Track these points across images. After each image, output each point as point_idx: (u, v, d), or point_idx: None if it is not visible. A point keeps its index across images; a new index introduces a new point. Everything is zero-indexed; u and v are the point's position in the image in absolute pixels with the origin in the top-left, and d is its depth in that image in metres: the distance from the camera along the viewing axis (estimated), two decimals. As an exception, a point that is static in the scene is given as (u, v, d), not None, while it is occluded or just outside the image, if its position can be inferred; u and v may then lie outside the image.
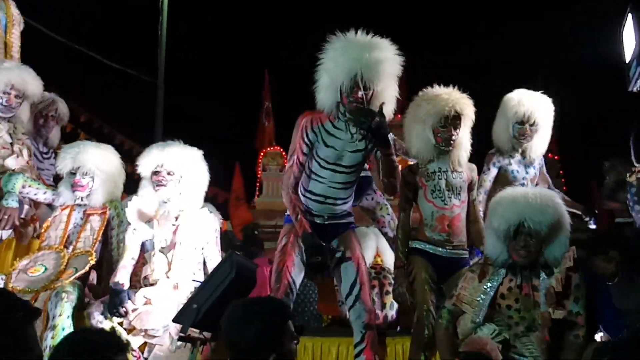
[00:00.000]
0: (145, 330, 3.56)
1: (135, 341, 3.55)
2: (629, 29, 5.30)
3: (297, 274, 3.43)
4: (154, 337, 3.55)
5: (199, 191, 4.01)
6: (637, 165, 3.97)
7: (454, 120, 3.59)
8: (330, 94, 3.34)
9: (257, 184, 19.05)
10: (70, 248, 3.95)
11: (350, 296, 3.38)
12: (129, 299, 3.50)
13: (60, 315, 3.50)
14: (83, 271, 3.78)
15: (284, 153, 18.84)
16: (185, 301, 3.45)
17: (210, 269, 3.84)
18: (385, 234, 4.40)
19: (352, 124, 3.29)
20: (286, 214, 3.60)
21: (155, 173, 3.89)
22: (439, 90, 3.68)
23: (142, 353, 3.57)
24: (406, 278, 3.54)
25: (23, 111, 4.60)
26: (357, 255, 3.48)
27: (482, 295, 3.10)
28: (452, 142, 3.62)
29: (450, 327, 3.20)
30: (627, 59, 5.33)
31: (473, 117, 3.71)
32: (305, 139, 3.42)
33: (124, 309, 3.47)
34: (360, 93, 3.23)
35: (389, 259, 4.59)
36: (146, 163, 3.94)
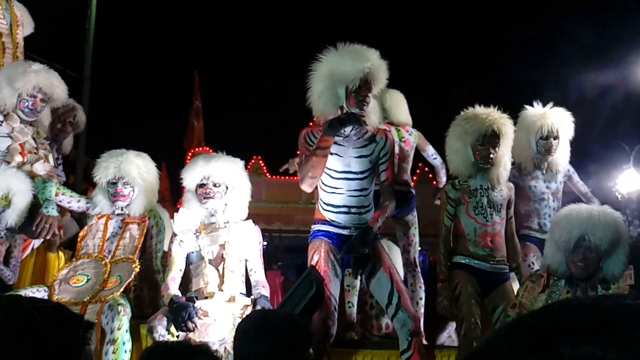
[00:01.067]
0: (201, 343, 3.54)
1: (191, 355, 3.52)
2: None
3: (335, 289, 3.49)
4: None
5: (243, 202, 4.01)
6: None
7: (492, 138, 3.79)
8: (331, 99, 3.55)
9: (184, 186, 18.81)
10: (110, 256, 3.88)
11: (390, 306, 3.45)
12: (196, 313, 3.46)
13: (119, 329, 3.42)
14: (129, 280, 3.72)
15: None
16: (239, 314, 3.50)
17: (254, 281, 3.87)
18: (407, 252, 4.60)
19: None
20: (312, 229, 3.71)
21: (202, 186, 3.88)
22: (479, 109, 3.88)
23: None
24: (450, 291, 3.69)
25: (45, 115, 4.50)
26: (387, 265, 3.55)
27: (545, 305, 3.27)
28: (490, 160, 3.81)
29: None
30: None
31: (512, 136, 3.93)
32: (310, 142, 3.61)
33: (192, 323, 3.42)
34: (367, 92, 3.51)
35: (399, 269, 4.75)
36: (191, 175, 3.91)
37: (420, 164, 18.03)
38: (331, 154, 3.56)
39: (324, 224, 3.65)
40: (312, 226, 3.72)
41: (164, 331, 3.45)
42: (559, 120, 4.35)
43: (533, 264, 4.20)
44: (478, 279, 3.72)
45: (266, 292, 3.79)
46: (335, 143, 3.59)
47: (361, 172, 3.61)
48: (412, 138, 4.77)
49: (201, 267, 3.78)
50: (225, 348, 3.51)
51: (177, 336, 3.53)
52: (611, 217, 3.27)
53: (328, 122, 3.55)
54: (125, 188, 3.99)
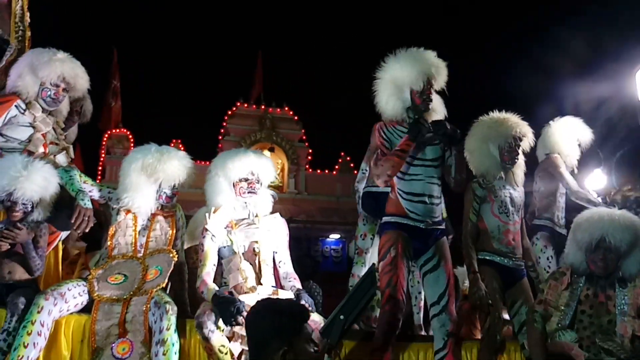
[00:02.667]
0: (243, 337, 3.53)
1: (235, 348, 3.51)
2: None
3: (405, 284, 3.64)
4: None
5: (269, 196, 4.05)
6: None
7: (518, 141, 4.07)
8: (398, 103, 3.79)
9: (100, 168, 18.04)
10: (142, 251, 3.84)
11: (437, 305, 3.65)
12: (243, 308, 3.44)
13: (167, 329, 3.40)
14: (170, 270, 3.69)
15: (131, 136, 18.08)
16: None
17: (284, 272, 3.90)
18: None
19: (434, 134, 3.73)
20: (384, 220, 3.82)
21: (246, 180, 3.89)
22: (503, 114, 4.12)
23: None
24: (482, 283, 3.85)
25: (64, 105, 4.41)
26: (449, 267, 3.75)
27: (568, 301, 3.47)
28: (516, 161, 4.08)
29: (543, 330, 3.54)
30: None
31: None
32: (384, 136, 3.77)
33: (240, 317, 3.40)
34: (430, 91, 3.77)
35: None
36: (237, 168, 3.90)
37: (342, 153, 18.48)
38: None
39: (399, 216, 3.76)
40: (385, 218, 3.83)
41: (213, 326, 3.43)
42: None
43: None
44: (501, 274, 3.95)
45: (299, 284, 3.83)
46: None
47: (435, 160, 3.82)
48: None
49: (236, 262, 3.77)
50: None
51: (223, 330, 3.52)
52: (630, 221, 3.51)
53: (410, 127, 3.72)
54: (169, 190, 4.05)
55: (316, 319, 3.57)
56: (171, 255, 3.77)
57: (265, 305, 2.45)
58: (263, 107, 18.25)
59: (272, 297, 3.52)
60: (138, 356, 3.41)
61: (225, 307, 3.41)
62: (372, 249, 5.01)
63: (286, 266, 3.94)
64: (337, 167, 18.07)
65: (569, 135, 5.02)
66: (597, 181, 5.87)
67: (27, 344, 3.24)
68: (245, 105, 18.42)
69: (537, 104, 4.81)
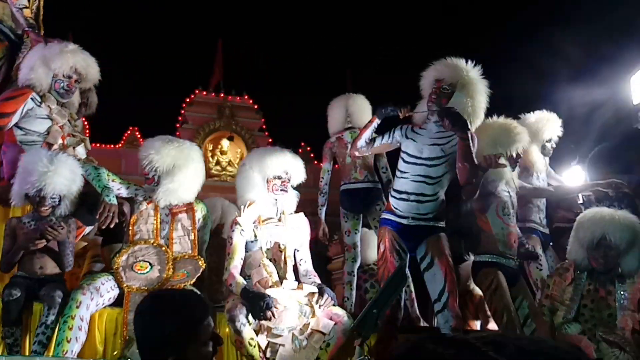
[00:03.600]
0: (269, 330, 3.71)
1: (261, 340, 3.68)
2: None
3: None
4: (278, 336, 3.71)
5: (295, 195, 4.22)
6: None
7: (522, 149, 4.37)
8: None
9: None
10: (162, 241, 3.91)
11: (438, 302, 3.81)
12: (272, 302, 3.62)
13: None
14: (197, 275, 3.79)
15: (86, 123, 17.67)
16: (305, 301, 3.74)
17: (304, 270, 4.09)
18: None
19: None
20: (382, 216, 4.03)
21: (279, 177, 4.03)
22: (503, 120, 4.37)
23: (265, 353, 3.71)
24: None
25: (75, 97, 4.44)
26: (444, 263, 3.84)
27: (572, 296, 3.74)
28: (518, 164, 4.37)
29: (551, 323, 3.80)
30: (635, 101, 6.74)
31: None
32: (396, 135, 4.04)
33: (270, 312, 3.58)
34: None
35: (373, 253, 5.05)
36: (274, 165, 4.04)
37: (302, 143, 18.62)
38: (407, 137, 3.96)
39: (389, 213, 3.97)
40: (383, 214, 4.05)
41: (245, 320, 3.58)
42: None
43: None
44: (505, 276, 4.16)
45: (319, 281, 4.03)
46: (413, 131, 3.98)
47: (430, 159, 3.89)
48: None
49: (257, 257, 3.93)
50: (293, 334, 3.71)
51: (251, 324, 3.69)
52: (629, 220, 3.79)
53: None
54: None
55: (340, 313, 3.79)
56: (199, 262, 3.85)
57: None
58: (222, 95, 18.14)
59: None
60: None
61: (256, 301, 3.56)
62: (360, 244, 5.26)
63: (307, 264, 4.09)
64: (296, 156, 18.14)
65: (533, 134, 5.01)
66: (575, 176, 6.22)
67: (70, 339, 3.34)
68: (204, 93, 18.28)
69: (532, 107, 5.03)
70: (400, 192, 3.91)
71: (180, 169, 4.00)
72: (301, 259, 4.11)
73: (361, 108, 5.24)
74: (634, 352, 3.51)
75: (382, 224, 3.97)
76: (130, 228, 3.93)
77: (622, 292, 3.72)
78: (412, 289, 5.00)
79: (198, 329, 1.81)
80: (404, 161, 3.93)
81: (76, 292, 3.47)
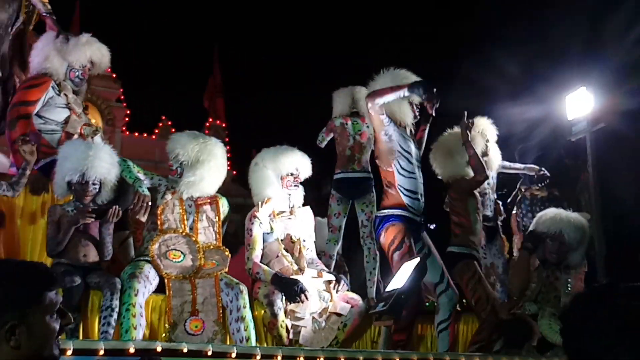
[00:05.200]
0: (293, 313, 4.09)
1: (288, 322, 4.07)
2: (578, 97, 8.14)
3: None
4: (300, 319, 4.11)
5: (302, 191, 4.60)
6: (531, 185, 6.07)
7: None
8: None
9: None
10: (188, 230, 4.10)
11: (441, 284, 4.40)
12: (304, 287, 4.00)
13: (244, 307, 3.84)
14: (226, 267, 4.04)
15: None
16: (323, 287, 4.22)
17: (309, 258, 4.49)
18: (365, 227, 5.47)
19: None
20: (392, 213, 4.42)
21: (292, 174, 4.40)
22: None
23: (288, 334, 4.10)
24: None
25: (84, 85, 4.47)
26: (436, 251, 4.51)
27: (537, 281, 4.52)
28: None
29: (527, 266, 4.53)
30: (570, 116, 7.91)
31: None
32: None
33: (303, 295, 3.96)
34: None
35: (322, 242, 5.37)
36: (288, 162, 4.38)
37: (163, 117, 18.21)
38: (404, 138, 4.47)
39: (401, 209, 4.38)
40: (388, 210, 4.43)
41: (281, 304, 3.98)
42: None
43: None
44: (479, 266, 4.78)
45: (323, 267, 4.50)
46: (404, 134, 4.48)
47: (419, 161, 4.55)
48: (369, 130, 5.48)
49: (274, 248, 4.30)
50: (313, 317, 4.17)
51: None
52: (581, 223, 4.63)
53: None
54: None
55: (355, 297, 4.28)
56: (225, 252, 4.08)
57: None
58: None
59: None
60: (211, 333, 3.79)
61: (289, 286, 3.97)
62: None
63: (312, 253, 4.49)
64: (156, 130, 17.72)
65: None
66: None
67: (136, 326, 3.52)
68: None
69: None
70: (413, 192, 4.39)
71: (203, 163, 4.19)
72: (307, 249, 4.52)
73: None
74: None
75: (399, 220, 4.34)
76: (159, 217, 4.09)
77: (568, 280, 4.58)
78: (377, 272, 5.45)
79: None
80: (409, 162, 4.43)
81: (132, 280, 3.63)
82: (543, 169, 5.77)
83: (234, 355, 3.20)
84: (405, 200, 4.39)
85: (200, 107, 16.27)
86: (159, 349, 2.98)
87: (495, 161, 5.44)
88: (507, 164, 5.75)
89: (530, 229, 4.81)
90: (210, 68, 16.67)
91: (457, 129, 4.93)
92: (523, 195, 6.11)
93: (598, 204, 8.37)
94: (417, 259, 4.06)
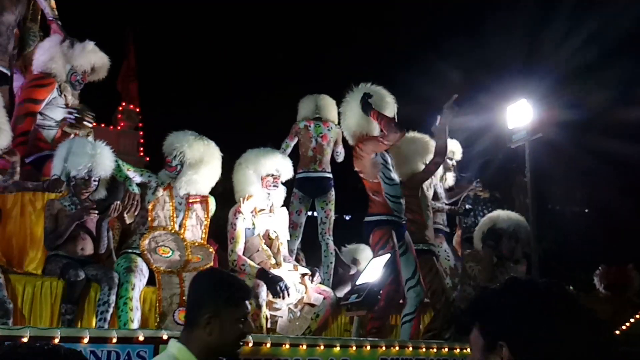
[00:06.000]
0: (270, 304, 4.37)
1: (267, 313, 4.39)
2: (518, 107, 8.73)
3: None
4: (278, 310, 4.41)
5: (283, 191, 4.90)
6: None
7: None
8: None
9: None
10: (177, 227, 4.36)
11: (412, 279, 4.68)
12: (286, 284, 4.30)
13: None
14: (211, 261, 4.34)
15: None
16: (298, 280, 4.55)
17: (283, 254, 4.85)
18: (324, 223, 5.88)
19: None
20: (379, 219, 4.72)
21: (272, 175, 4.70)
22: (417, 134, 5.46)
23: (266, 323, 4.42)
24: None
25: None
26: (413, 249, 4.80)
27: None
28: None
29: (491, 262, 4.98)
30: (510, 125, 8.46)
31: None
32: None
33: (286, 292, 4.27)
34: None
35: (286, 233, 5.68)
36: (269, 164, 4.68)
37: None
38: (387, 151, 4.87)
39: (387, 215, 4.70)
40: (376, 217, 4.74)
41: (265, 297, 4.28)
42: None
43: None
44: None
45: (295, 262, 4.85)
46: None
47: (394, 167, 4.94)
48: (330, 133, 6.03)
49: (255, 243, 4.61)
50: (289, 308, 4.51)
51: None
52: (526, 222, 5.27)
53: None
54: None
55: (327, 289, 4.63)
56: (210, 250, 4.37)
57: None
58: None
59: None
60: None
61: (274, 282, 4.28)
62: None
63: (285, 250, 4.81)
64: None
65: None
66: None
67: (133, 319, 3.77)
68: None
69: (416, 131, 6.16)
70: (396, 197, 4.74)
71: (206, 164, 4.50)
72: (282, 245, 4.85)
73: (329, 105, 6.06)
74: None
75: (385, 225, 4.67)
76: (149, 213, 4.34)
77: (513, 271, 5.02)
78: (333, 267, 5.92)
79: (237, 301, 2.17)
80: (392, 171, 4.82)
81: (129, 275, 3.86)
82: (479, 184, 6.45)
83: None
84: (391, 205, 4.72)
85: (114, 91, 15.88)
86: (165, 337, 3.24)
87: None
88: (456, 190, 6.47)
89: (486, 227, 5.20)
90: (124, 50, 16.29)
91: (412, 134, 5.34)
92: (467, 195, 6.64)
93: (534, 206, 9.08)
94: (387, 255, 4.46)
